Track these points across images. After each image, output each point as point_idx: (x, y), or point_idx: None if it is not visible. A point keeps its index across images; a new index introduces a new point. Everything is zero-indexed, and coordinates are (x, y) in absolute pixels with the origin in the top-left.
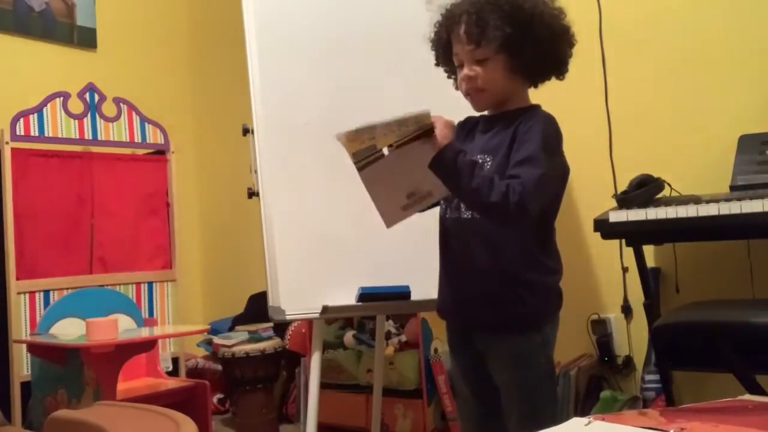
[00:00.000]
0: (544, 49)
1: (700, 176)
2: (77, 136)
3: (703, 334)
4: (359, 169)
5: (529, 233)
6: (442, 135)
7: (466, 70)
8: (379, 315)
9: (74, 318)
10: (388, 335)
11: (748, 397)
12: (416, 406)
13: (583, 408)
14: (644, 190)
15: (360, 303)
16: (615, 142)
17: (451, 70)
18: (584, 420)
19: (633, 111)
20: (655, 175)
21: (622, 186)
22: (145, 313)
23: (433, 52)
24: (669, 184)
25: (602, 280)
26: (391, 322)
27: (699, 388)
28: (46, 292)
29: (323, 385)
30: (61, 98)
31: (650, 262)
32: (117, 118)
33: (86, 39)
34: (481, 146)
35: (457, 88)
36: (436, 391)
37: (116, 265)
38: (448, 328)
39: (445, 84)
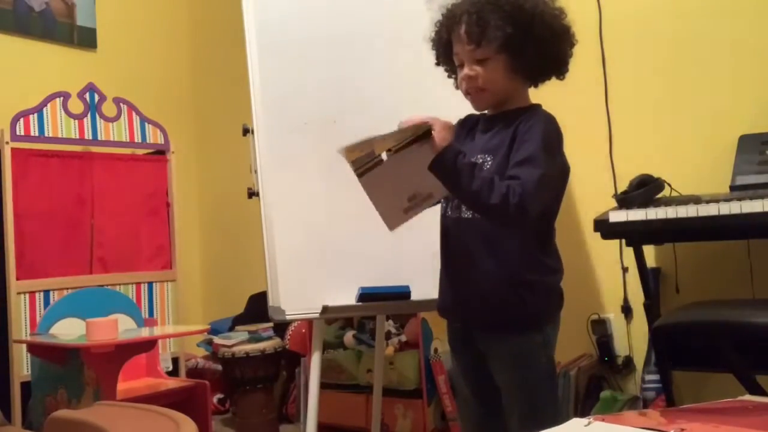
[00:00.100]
0: (545, 49)
1: (700, 176)
2: (77, 136)
3: (703, 334)
4: (359, 176)
5: (529, 233)
6: (440, 137)
7: (466, 70)
8: (379, 315)
9: (74, 318)
10: (388, 335)
11: (748, 397)
12: (416, 406)
13: (583, 408)
14: (644, 190)
15: (360, 303)
16: (615, 142)
17: (452, 70)
18: (584, 420)
19: (633, 111)
20: (655, 175)
21: (622, 186)
22: (145, 313)
23: (433, 52)
24: (669, 184)
25: (602, 280)
26: (391, 322)
27: (699, 388)
28: (46, 292)
29: (323, 385)
30: (61, 98)
31: (650, 262)
32: (117, 118)
33: (86, 39)
34: (481, 146)
35: (457, 88)
36: (436, 391)
37: (116, 265)
38: (449, 328)
39: (446, 84)
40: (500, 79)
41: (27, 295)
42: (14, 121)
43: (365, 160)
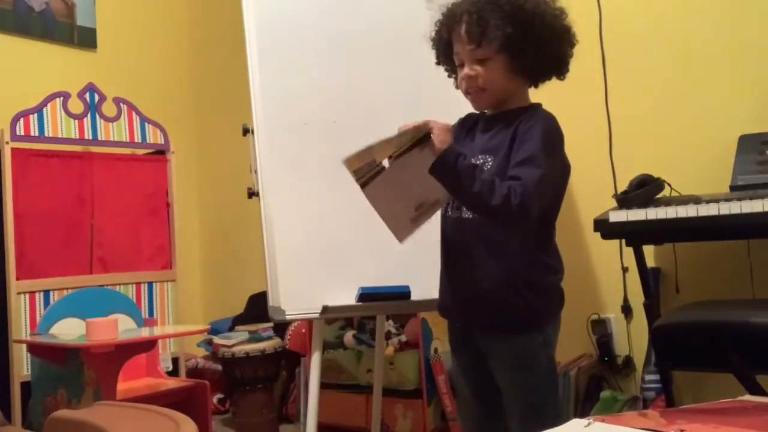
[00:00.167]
0: (545, 49)
1: (700, 176)
2: (77, 136)
3: (703, 334)
4: (362, 186)
5: (530, 233)
6: (440, 140)
7: (466, 70)
8: (379, 315)
9: (74, 318)
10: (388, 335)
11: (748, 397)
12: (416, 406)
13: (583, 408)
14: (644, 190)
15: (360, 303)
16: (615, 142)
17: (452, 69)
18: (584, 421)
19: (633, 111)
20: (655, 175)
21: (622, 186)
22: (145, 313)
23: (433, 51)
24: (669, 184)
25: (602, 280)
26: (391, 322)
27: (699, 388)
28: (46, 292)
29: (323, 385)
30: (61, 98)
31: (650, 262)
32: (117, 118)
33: (86, 39)
34: (481, 146)
35: (457, 87)
36: (436, 391)
37: (116, 265)
38: (449, 328)
39: (446, 84)
40: (500, 79)
41: (27, 295)
42: (14, 121)
43: (366, 170)
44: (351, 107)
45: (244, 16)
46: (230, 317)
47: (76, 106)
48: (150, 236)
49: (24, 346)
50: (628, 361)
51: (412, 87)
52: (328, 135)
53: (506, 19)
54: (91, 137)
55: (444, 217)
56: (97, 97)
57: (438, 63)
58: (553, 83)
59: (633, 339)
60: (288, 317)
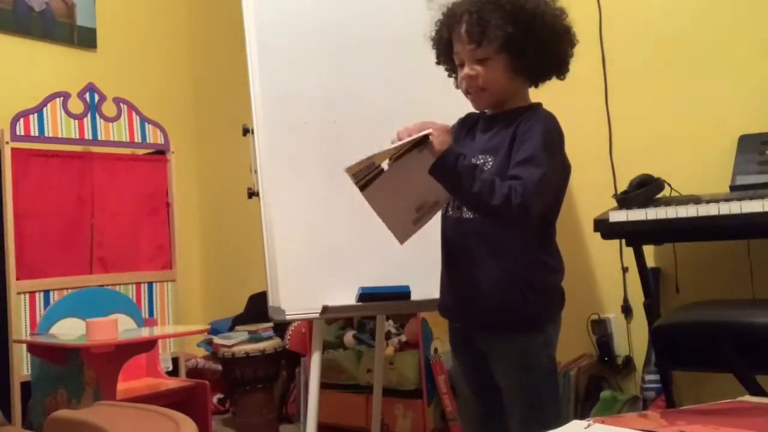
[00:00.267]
0: (545, 49)
1: (700, 176)
2: (77, 136)
3: (703, 334)
4: (361, 189)
5: (530, 232)
6: (439, 141)
7: (466, 69)
8: (379, 315)
9: (74, 318)
10: (388, 335)
11: (748, 398)
12: (416, 406)
13: (583, 408)
14: (644, 190)
15: (360, 303)
16: (615, 142)
17: (452, 69)
18: (584, 423)
19: (633, 111)
20: (655, 175)
21: (622, 186)
22: (145, 313)
23: (433, 51)
24: (669, 184)
25: (602, 280)
26: (391, 322)
27: (699, 388)
28: (46, 292)
29: (323, 385)
30: (61, 98)
31: (650, 262)
32: (117, 118)
33: (86, 39)
34: (481, 146)
35: (457, 87)
36: (436, 391)
37: (116, 265)
38: (450, 328)
39: (446, 84)
40: (500, 79)
41: (27, 295)
42: (14, 121)
43: (365, 172)
44: (351, 107)
45: (244, 16)
46: (230, 317)
47: (76, 106)
48: (150, 236)
49: (24, 346)
50: (628, 361)
51: (412, 87)
52: (328, 135)
53: (507, 18)
54: (91, 137)
55: (444, 217)
56: (97, 97)
57: (438, 63)
58: (553, 83)
59: (633, 339)
60: (288, 317)
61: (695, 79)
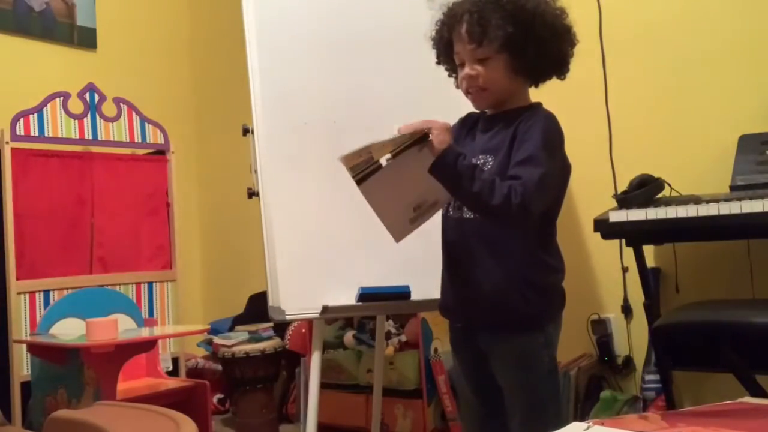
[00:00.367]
0: (546, 49)
1: (700, 176)
2: (77, 136)
3: (703, 334)
4: (358, 183)
5: (531, 232)
6: (439, 140)
7: (467, 69)
8: (379, 315)
9: (74, 318)
10: (388, 335)
11: (748, 399)
12: (416, 406)
13: (583, 408)
14: (644, 190)
15: (360, 303)
16: (615, 142)
17: (452, 69)
18: (583, 425)
19: (633, 111)
20: (655, 175)
21: (622, 186)
22: (145, 313)
23: (434, 51)
24: (669, 184)
25: (602, 280)
26: (391, 322)
27: (699, 388)
28: (46, 292)
29: (323, 385)
30: (61, 98)
31: (650, 262)
32: (117, 118)
33: (86, 39)
34: (481, 146)
35: (457, 87)
36: (436, 391)
37: (116, 265)
38: (451, 328)
39: (446, 84)
40: (501, 79)
41: (27, 295)
42: (14, 121)
43: (363, 166)
44: (351, 107)
45: (244, 16)
46: (230, 317)
47: (76, 106)
48: (150, 236)
49: (24, 346)
50: (628, 361)
51: (412, 87)
52: (328, 135)
53: (507, 18)
54: (91, 137)
55: (445, 217)
56: (97, 97)
57: (438, 62)
58: (553, 83)
59: (633, 339)
60: (288, 317)
61: (695, 80)
